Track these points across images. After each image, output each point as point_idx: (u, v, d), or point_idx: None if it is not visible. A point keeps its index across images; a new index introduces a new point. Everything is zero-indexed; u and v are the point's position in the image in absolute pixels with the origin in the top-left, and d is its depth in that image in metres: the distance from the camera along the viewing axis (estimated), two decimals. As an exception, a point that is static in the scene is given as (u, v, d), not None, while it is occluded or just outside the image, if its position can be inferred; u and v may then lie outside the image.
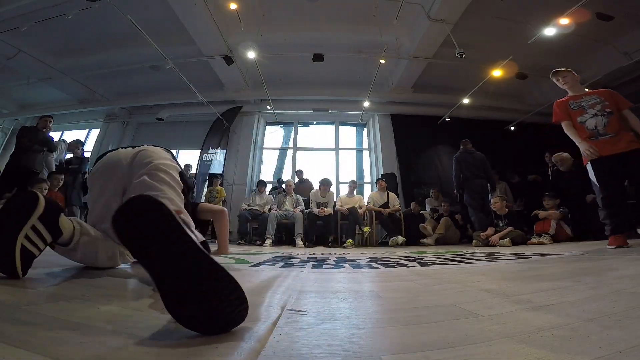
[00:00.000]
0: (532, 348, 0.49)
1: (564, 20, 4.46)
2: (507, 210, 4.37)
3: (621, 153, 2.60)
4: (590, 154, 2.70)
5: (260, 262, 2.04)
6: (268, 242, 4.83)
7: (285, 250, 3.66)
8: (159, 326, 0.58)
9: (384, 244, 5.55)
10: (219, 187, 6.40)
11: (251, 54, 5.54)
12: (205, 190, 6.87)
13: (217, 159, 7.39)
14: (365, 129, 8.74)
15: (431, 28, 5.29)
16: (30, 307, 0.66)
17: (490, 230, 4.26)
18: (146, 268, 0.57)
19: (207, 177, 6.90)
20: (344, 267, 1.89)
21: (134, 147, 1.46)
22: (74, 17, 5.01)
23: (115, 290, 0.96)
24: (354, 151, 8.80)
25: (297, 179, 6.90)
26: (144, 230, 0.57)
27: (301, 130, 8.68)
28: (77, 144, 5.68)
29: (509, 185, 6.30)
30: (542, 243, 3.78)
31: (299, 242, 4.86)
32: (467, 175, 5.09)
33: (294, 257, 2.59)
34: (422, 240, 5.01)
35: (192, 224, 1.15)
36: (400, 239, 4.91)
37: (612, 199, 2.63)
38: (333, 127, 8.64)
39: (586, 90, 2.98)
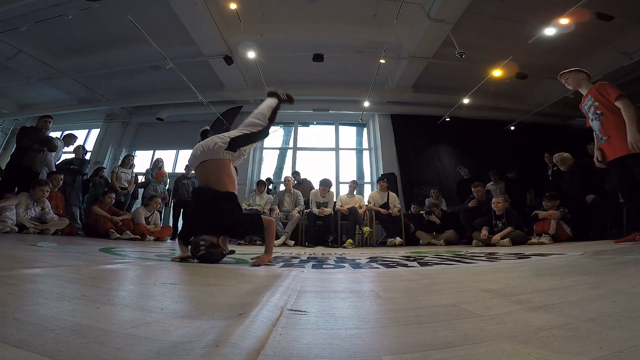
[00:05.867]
0: (532, 348, 0.49)
1: (564, 20, 4.47)
2: (505, 210, 4.37)
3: (619, 157, 2.56)
4: (597, 165, 2.74)
5: (260, 262, 2.04)
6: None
7: (285, 251, 3.66)
8: (159, 326, 0.58)
9: (384, 244, 5.55)
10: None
11: (251, 54, 5.54)
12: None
13: (217, 158, 7.37)
14: (365, 129, 8.73)
15: (431, 28, 5.28)
16: (30, 307, 0.66)
17: (485, 230, 4.29)
18: None
19: (207, 177, 6.88)
20: (344, 267, 1.89)
21: None
22: (74, 17, 5.01)
23: (115, 291, 0.96)
24: (354, 151, 8.80)
25: (294, 181, 6.86)
26: None
27: (301, 130, 8.68)
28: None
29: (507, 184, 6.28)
30: (542, 243, 3.77)
31: (284, 239, 4.87)
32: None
33: (294, 257, 2.59)
34: (433, 241, 5.07)
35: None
36: (398, 240, 4.92)
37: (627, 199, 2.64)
38: (333, 127, 8.63)
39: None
